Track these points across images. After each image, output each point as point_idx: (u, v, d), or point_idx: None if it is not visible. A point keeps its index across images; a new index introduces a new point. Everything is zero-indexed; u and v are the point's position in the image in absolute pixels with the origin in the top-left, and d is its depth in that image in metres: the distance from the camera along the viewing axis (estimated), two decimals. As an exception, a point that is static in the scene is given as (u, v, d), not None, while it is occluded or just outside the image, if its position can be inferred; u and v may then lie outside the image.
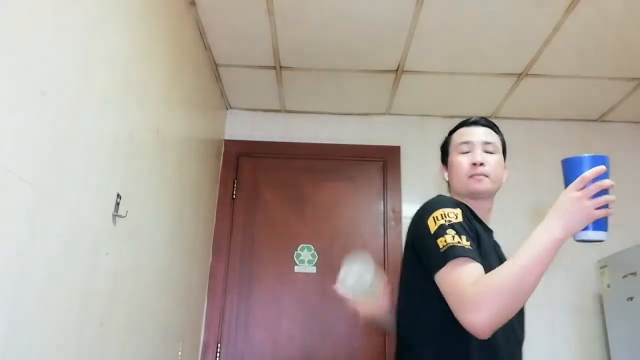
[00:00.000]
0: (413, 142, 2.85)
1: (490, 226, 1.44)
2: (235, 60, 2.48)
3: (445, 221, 1.11)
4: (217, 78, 2.62)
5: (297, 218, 2.74)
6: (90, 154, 1.22)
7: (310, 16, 2.11)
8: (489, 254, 1.20)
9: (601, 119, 2.91)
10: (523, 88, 2.61)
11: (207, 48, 2.35)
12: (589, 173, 0.97)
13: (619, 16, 2.04)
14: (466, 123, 1.41)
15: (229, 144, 2.88)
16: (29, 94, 0.96)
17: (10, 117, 0.91)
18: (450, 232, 1.08)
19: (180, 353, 2.12)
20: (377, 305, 1.38)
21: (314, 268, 2.64)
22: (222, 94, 2.78)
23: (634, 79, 2.49)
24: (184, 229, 2.11)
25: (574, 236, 1.00)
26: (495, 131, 1.40)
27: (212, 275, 2.62)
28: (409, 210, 2.76)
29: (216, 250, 2.66)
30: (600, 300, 2.54)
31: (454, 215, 1.13)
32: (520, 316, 1.35)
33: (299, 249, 2.68)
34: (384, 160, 2.86)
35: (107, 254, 1.33)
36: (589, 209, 0.96)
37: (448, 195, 1.37)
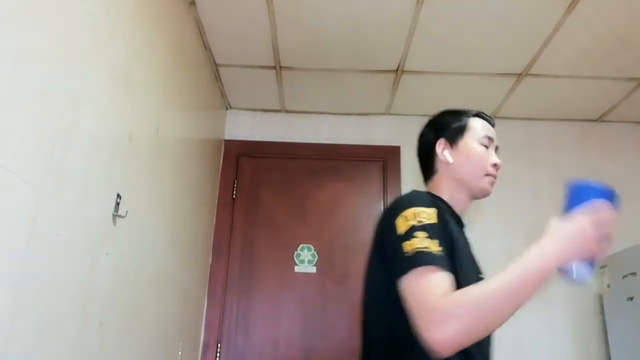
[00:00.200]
0: (413, 142, 2.83)
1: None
2: (235, 60, 2.48)
3: (417, 221, 0.97)
4: (217, 78, 2.62)
5: (297, 218, 2.74)
6: (90, 154, 1.22)
7: (310, 16, 2.11)
8: (467, 261, 1.09)
9: (601, 119, 2.91)
10: (523, 88, 2.61)
11: (207, 48, 2.35)
12: (605, 208, 0.92)
13: (619, 16, 2.04)
14: (485, 117, 1.35)
15: (229, 144, 2.88)
16: (29, 94, 0.96)
17: (10, 117, 0.91)
18: (420, 234, 0.95)
19: (180, 353, 2.12)
20: None
21: (314, 268, 2.64)
22: (222, 94, 2.78)
23: (634, 79, 2.49)
24: (184, 229, 2.11)
25: (561, 268, 0.90)
26: None
27: (212, 275, 2.62)
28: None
29: (216, 250, 2.66)
30: (600, 300, 2.54)
31: (427, 215, 0.99)
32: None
33: (299, 249, 2.68)
34: (384, 160, 2.86)
35: (107, 254, 1.33)
36: (593, 242, 0.89)
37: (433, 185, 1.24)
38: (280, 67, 2.52)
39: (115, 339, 1.42)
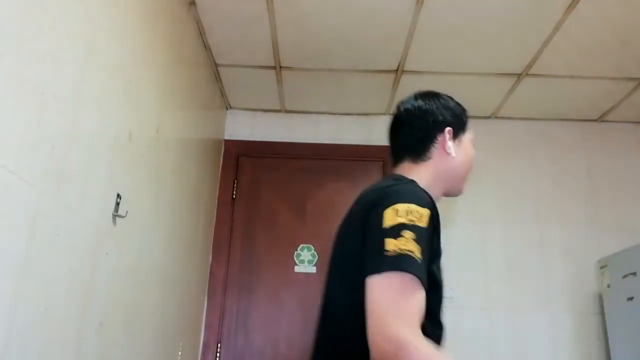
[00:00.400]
0: (413, 142, 2.84)
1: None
2: (235, 60, 2.48)
3: (407, 220, 0.90)
4: (217, 78, 2.62)
5: (297, 218, 2.74)
6: (90, 154, 1.22)
7: (310, 16, 2.11)
8: (440, 273, 1.03)
9: (601, 119, 2.91)
10: (523, 88, 2.61)
11: (207, 48, 2.35)
12: None
13: (619, 16, 2.04)
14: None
15: (229, 144, 2.88)
16: (29, 94, 0.96)
17: (10, 117, 0.91)
18: (408, 234, 0.88)
19: (180, 353, 2.12)
20: None
21: (314, 268, 2.64)
22: (222, 94, 2.78)
23: (634, 79, 2.49)
24: (183, 229, 2.11)
25: None
26: None
27: (212, 275, 2.62)
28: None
29: (216, 250, 2.66)
30: (600, 300, 2.54)
31: (419, 216, 0.91)
32: None
33: (299, 249, 2.68)
34: (384, 160, 2.85)
35: (107, 254, 1.33)
36: None
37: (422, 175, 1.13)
38: (280, 67, 2.52)
39: (115, 339, 1.42)
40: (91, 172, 1.23)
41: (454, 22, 2.12)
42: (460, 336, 2.53)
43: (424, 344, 0.81)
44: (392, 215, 0.91)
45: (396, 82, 2.61)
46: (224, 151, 2.86)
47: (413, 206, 0.92)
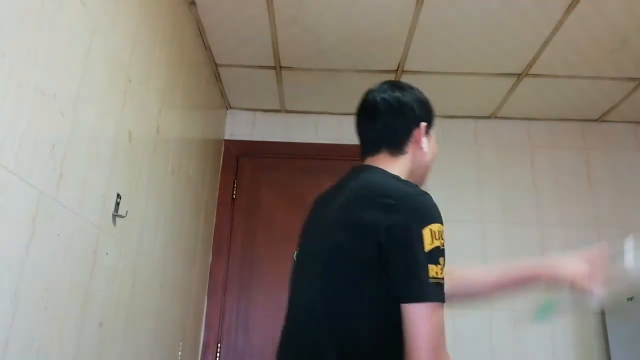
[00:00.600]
0: (413, 142, 2.85)
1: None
2: (235, 60, 2.48)
3: (441, 243, 0.90)
4: (217, 78, 2.62)
5: (297, 218, 2.72)
6: (90, 154, 1.22)
7: (310, 16, 2.11)
8: None
9: (601, 119, 2.91)
10: (523, 88, 2.61)
11: (207, 48, 2.35)
12: None
13: (619, 16, 2.04)
14: None
15: (229, 144, 2.88)
16: (29, 95, 0.96)
17: (10, 117, 0.91)
18: (442, 261, 0.89)
19: (180, 353, 2.12)
20: None
21: (314, 268, 2.64)
22: (222, 94, 2.78)
23: (634, 79, 2.49)
24: (184, 229, 2.11)
25: None
26: None
27: (212, 275, 2.62)
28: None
29: (216, 250, 2.66)
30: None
31: (444, 236, 0.92)
32: None
33: (299, 249, 2.68)
34: (384, 160, 2.85)
35: (107, 254, 1.33)
36: None
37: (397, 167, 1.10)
38: (280, 67, 2.52)
39: (115, 339, 1.42)
40: (91, 172, 1.23)
41: (454, 22, 2.12)
42: (460, 336, 2.53)
43: None
44: (431, 238, 0.89)
45: (396, 82, 2.61)
46: (224, 151, 2.86)
47: (442, 227, 0.92)
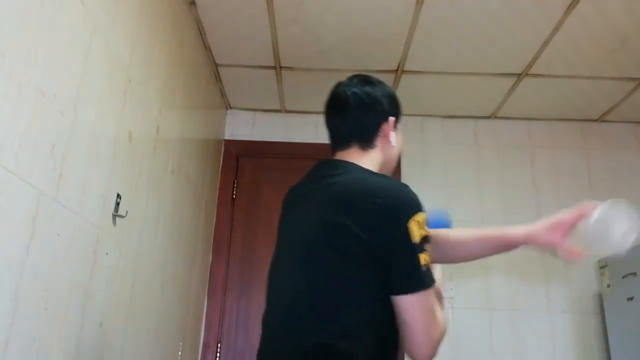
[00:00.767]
0: (413, 142, 2.85)
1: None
2: (235, 60, 2.48)
3: (426, 232, 0.94)
4: (217, 78, 2.62)
5: (297, 218, 2.73)
6: (90, 154, 1.22)
7: (310, 16, 2.11)
8: None
9: (601, 119, 2.91)
10: (523, 88, 2.61)
11: (207, 48, 2.35)
12: None
13: (619, 16, 2.04)
14: None
15: (229, 144, 2.88)
16: (29, 95, 0.96)
17: (10, 117, 0.91)
18: (429, 247, 0.93)
19: (180, 353, 2.12)
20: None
21: (314, 268, 2.64)
22: (222, 94, 2.78)
23: (634, 79, 2.49)
24: (184, 229, 2.11)
25: None
26: None
27: (212, 275, 2.62)
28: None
29: (216, 250, 2.66)
30: (600, 300, 2.54)
31: (427, 223, 0.96)
32: None
33: (299, 249, 2.68)
34: (384, 160, 2.85)
35: (107, 254, 1.33)
36: None
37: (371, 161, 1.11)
38: (280, 67, 2.52)
39: (115, 339, 1.42)
40: (91, 172, 1.23)
41: (454, 22, 2.12)
42: (461, 336, 2.53)
43: (440, 337, 0.95)
44: (417, 229, 0.92)
45: (396, 82, 2.61)
46: (224, 151, 2.86)
47: (424, 215, 0.95)
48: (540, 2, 1.98)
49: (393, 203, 0.94)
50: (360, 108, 1.14)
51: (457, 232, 1.32)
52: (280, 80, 2.64)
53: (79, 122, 1.16)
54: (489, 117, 2.93)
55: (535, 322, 2.58)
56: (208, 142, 2.54)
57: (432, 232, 1.01)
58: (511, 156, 2.87)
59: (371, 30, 2.19)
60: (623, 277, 2.29)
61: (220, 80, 2.65)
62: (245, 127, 2.93)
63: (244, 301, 2.61)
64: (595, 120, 2.93)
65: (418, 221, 0.92)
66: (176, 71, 1.91)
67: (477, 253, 1.29)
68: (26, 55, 0.95)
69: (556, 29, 2.13)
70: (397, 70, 2.50)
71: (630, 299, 2.23)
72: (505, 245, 1.28)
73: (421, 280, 0.91)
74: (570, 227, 1.12)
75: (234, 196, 2.78)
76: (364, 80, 1.20)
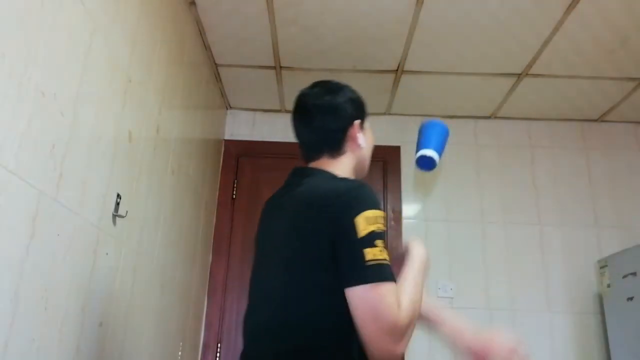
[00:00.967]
0: (413, 142, 2.83)
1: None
2: (235, 60, 2.48)
3: (376, 227, 0.95)
4: (217, 78, 2.62)
5: (297, 218, 2.73)
6: (90, 154, 1.22)
7: (310, 16, 2.11)
8: None
9: (601, 119, 2.91)
10: (523, 88, 2.61)
11: (207, 48, 2.35)
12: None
13: (619, 16, 2.04)
14: None
15: (229, 144, 2.88)
16: (29, 95, 0.96)
17: (10, 117, 0.91)
18: (379, 243, 0.94)
19: (180, 353, 2.12)
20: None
21: (314, 268, 2.64)
22: (222, 94, 2.78)
23: (634, 79, 2.49)
24: (184, 229, 2.11)
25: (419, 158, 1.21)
26: None
27: (212, 275, 2.62)
28: (409, 210, 2.76)
29: (216, 250, 2.66)
30: (600, 300, 2.54)
31: (382, 220, 0.98)
32: None
33: (299, 249, 2.68)
34: (384, 160, 2.85)
35: (107, 254, 1.33)
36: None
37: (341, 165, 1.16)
38: (280, 67, 2.52)
39: (115, 339, 1.42)
40: (91, 172, 1.23)
41: (454, 22, 2.12)
42: (460, 336, 2.53)
43: (406, 316, 0.93)
44: (365, 224, 0.95)
45: (396, 82, 2.61)
46: (224, 151, 2.86)
47: (378, 211, 0.98)
48: (540, 2, 1.98)
49: (344, 200, 0.98)
50: (323, 118, 1.17)
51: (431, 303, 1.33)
52: (280, 80, 2.64)
53: (79, 122, 1.16)
54: (489, 117, 2.93)
55: (535, 322, 2.58)
56: (208, 142, 2.54)
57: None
58: (511, 156, 2.87)
59: (371, 30, 2.19)
60: (623, 277, 2.29)
61: (220, 80, 2.65)
62: (245, 127, 2.93)
63: (244, 301, 2.60)
64: (595, 120, 2.93)
65: (367, 217, 0.95)
66: (176, 71, 1.91)
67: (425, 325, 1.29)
68: (26, 55, 0.95)
69: (556, 29, 2.13)
70: (397, 70, 2.50)
71: (630, 299, 2.23)
72: (451, 340, 1.28)
73: (364, 274, 0.92)
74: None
75: (234, 196, 2.78)
76: (326, 88, 1.22)
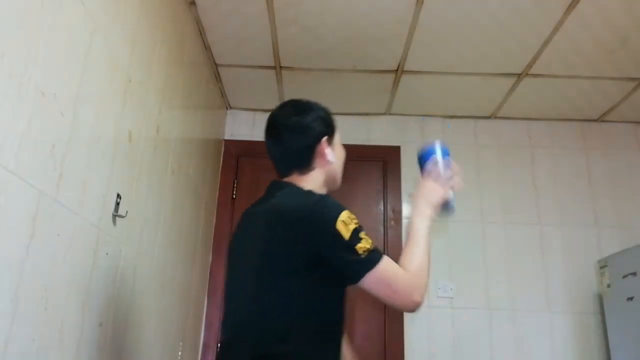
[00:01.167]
0: (413, 142, 2.85)
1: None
2: (235, 60, 2.48)
3: (354, 225, 1.07)
4: (217, 78, 2.62)
5: (297, 218, 2.73)
6: (90, 154, 1.22)
7: (310, 16, 2.11)
8: None
9: (601, 119, 2.91)
10: (523, 88, 2.61)
11: (207, 48, 2.35)
12: (435, 165, 1.27)
13: (619, 16, 2.04)
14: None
15: (229, 144, 2.88)
16: (29, 95, 0.96)
17: (10, 117, 0.91)
18: (363, 235, 1.07)
19: (180, 353, 2.12)
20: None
21: (314, 268, 2.64)
22: (222, 94, 2.78)
23: (634, 79, 2.49)
24: (184, 229, 2.11)
25: (442, 205, 1.23)
26: None
27: (212, 275, 2.62)
28: (409, 210, 2.76)
29: (216, 250, 2.66)
30: (600, 300, 2.54)
31: (352, 215, 1.09)
32: None
33: (299, 249, 2.68)
34: (384, 160, 2.85)
35: (107, 254, 1.33)
36: (444, 185, 1.24)
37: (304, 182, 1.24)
38: (280, 67, 2.52)
39: (115, 339, 1.42)
40: (91, 172, 1.23)
41: (454, 22, 2.12)
42: (460, 336, 2.53)
43: (413, 272, 1.08)
44: (344, 228, 1.05)
45: (396, 82, 2.61)
46: (224, 151, 2.86)
47: (346, 212, 1.08)
48: (540, 2, 1.98)
49: (317, 214, 1.08)
50: (291, 138, 1.25)
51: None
52: (280, 80, 2.64)
53: (79, 122, 1.16)
54: (489, 117, 2.93)
55: (535, 322, 2.58)
56: (208, 142, 2.54)
57: None
58: (511, 156, 2.87)
59: (371, 30, 2.19)
60: (623, 277, 2.29)
61: (220, 80, 2.65)
62: (245, 127, 2.93)
63: (244, 301, 2.61)
64: (595, 120, 2.93)
65: (343, 220, 1.06)
66: (176, 71, 1.91)
67: None
68: (26, 55, 0.95)
69: (556, 29, 2.13)
70: (397, 70, 2.50)
71: (630, 299, 2.23)
72: None
73: (365, 265, 1.05)
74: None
75: (234, 196, 2.78)
76: (295, 109, 1.30)
